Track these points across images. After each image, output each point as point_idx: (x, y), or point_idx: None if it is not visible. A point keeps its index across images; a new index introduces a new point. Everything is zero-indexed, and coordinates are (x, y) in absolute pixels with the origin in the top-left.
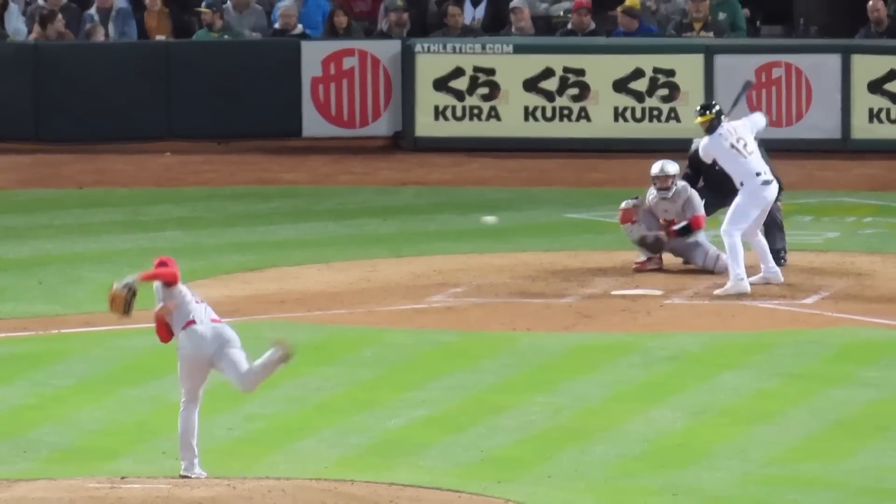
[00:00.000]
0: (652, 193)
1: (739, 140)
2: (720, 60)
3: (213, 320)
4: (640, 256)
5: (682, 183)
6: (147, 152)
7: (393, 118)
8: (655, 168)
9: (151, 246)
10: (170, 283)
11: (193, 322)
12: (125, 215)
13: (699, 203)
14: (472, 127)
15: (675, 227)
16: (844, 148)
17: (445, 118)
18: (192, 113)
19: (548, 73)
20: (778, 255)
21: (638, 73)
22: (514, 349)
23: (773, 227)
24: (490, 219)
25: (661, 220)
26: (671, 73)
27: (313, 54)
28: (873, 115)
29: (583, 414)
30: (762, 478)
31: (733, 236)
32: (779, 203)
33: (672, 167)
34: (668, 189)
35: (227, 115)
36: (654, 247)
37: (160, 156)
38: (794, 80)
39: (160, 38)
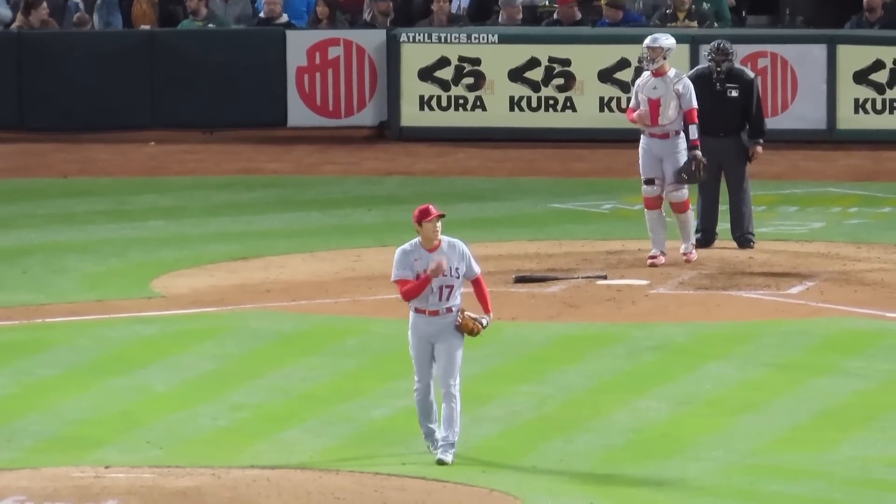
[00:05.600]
0: (643, 78)
1: None
2: (706, 50)
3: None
4: (652, 250)
5: (676, 71)
6: (131, 142)
7: (378, 108)
8: (648, 39)
9: (135, 236)
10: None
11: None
12: (109, 205)
13: (692, 95)
14: (457, 117)
15: (690, 136)
16: (830, 138)
17: (430, 108)
18: (177, 102)
19: (533, 62)
20: (746, 238)
21: (623, 63)
22: (499, 339)
23: (741, 207)
24: None
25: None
26: None
27: (298, 44)
28: (858, 106)
29: (568, 404)
30: (747, 468)
31: None
32: (747, 181)
33: (666, 40)
34: (654, 61)
35: (211, 104)
36: (695, 172)
37: (145, 145)
38: (779, 70)
39: (145, 27)
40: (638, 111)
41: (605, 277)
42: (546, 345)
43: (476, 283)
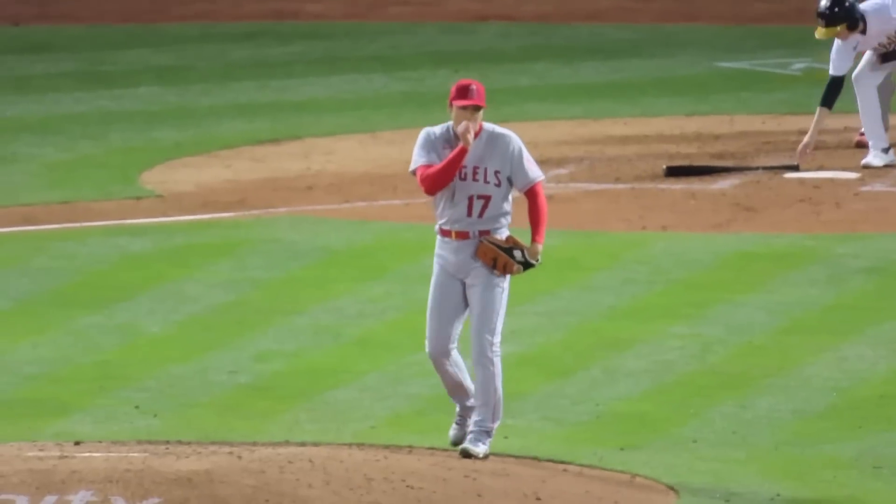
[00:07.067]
0: None
1: None
2: None
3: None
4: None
5: None
6: None
7: None
8: None
9: (118, 108)
10: None
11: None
12: (79, 64)
13: None
14: None
15: None
16: None
17: None
18: None
19: None
20: None
21: None
22: (644, 257)
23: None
24: None
25: None
26: None
27: None
28: None
29: (743, 352)
30: None
31: None
32: None
33: None
34: None
35: None
36: None
37: None
38: None
39: None
40: None
41: (796, 168)
42: (711, 266)
43: (531, 196)
